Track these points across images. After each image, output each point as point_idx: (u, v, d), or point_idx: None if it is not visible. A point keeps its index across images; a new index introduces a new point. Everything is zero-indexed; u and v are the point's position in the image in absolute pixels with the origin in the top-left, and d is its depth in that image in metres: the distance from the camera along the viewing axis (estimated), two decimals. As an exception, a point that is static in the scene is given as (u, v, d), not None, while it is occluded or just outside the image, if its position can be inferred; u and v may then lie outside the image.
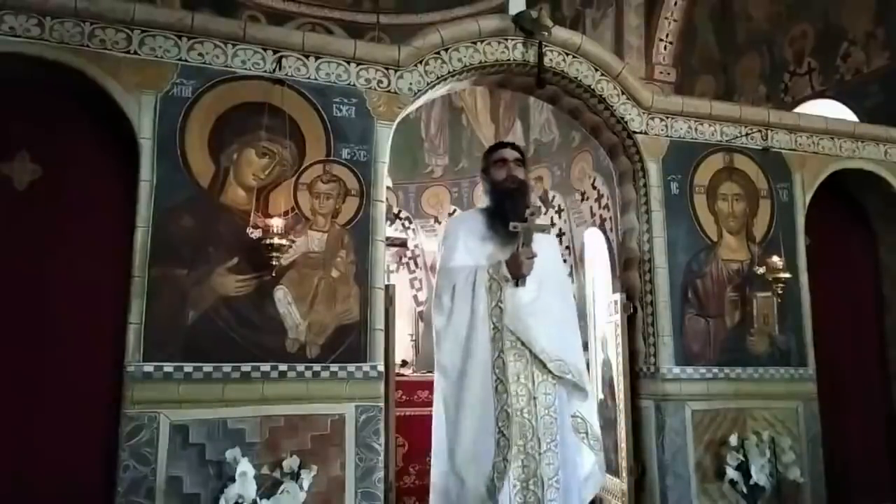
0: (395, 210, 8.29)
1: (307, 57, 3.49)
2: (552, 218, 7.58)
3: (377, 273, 3.46)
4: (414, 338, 8.32)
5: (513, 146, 3.62)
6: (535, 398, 3.21)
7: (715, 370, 4.09)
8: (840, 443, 4.42)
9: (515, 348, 3.24)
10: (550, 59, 3.93)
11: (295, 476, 3.08)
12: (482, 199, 3.63)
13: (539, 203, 7.53)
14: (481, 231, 3.44)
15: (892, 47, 5.42)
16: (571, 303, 3.59)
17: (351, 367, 3.34)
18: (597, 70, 4.06)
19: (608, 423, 4.20)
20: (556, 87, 4.09)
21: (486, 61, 3.83)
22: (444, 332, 3.32)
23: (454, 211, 8.64)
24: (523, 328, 3.24)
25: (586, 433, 3.36)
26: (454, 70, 3.78)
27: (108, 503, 2.95)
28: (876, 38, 5.55)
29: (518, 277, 3.23)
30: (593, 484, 3.42)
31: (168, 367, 3.06)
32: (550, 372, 3.25)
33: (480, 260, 3.36)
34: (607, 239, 6.69)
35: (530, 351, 3.24)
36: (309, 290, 3.33)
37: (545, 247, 3.43)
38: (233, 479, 2.94)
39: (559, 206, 7.61)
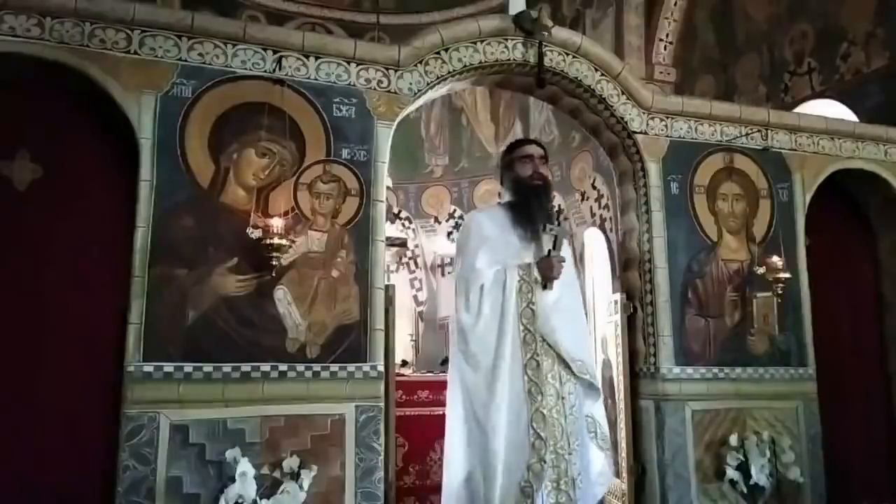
0: (395, 210, 8.27)
1: (307, 57, 3.49)
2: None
3: (377, 273, 3.46)
4: (414, 338, 8.29)
5: (537, 143, 3.60)
6: (562, 398, 3.21)
7: (715, 370, 4.09)
8: (840, 443, 4.41)
9: (543, 348, 3.23)
10: (550, 59, 3.93)
11: (295, 476, 3.08)
12: (504, 195, 3.56)
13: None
14: (505, 228, 3.38)
15: (892, 47, 5.41)
16: (581, 302, 3.59)
17: (351, 367, 3.34)
18: (597, 70, 4.06)
19: (608, 424, 4.19)
20: (556, 87, 4.09)
21: (486, 61, 3.83)
22: (472, 331, 3.25)
23: (454, 211, 8.63)
24: (550, 329, 3.23)
25: (595, 433, 3.36)
26: (454, 70, 3.78)
27: (108, 503, 2.95)
28: (876, 38, 5.54)
29: (549, 280, 3.22)
30: (605, 482, 3.43)
31: (168, 367, 3.07)
32: (573, 372, 3.26)
33: (506, 259, 3.31)
34: (607, 239, 6.68)
35: (556, 351, 3.24)
36: (309, 290, 3.33)
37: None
38: (233, 479, 2.94)
39: (559, 206, 7.61)
